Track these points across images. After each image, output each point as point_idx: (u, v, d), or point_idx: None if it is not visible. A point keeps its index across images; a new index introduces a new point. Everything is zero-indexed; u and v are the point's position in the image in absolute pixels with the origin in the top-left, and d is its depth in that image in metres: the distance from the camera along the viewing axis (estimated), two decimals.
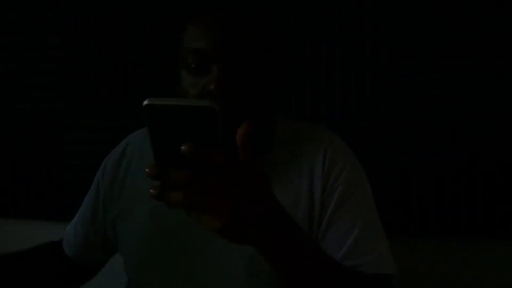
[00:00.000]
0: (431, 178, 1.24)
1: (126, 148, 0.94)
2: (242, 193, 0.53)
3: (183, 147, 0.50)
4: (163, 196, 0.52)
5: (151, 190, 0.52)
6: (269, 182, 0.58)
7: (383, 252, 0.80)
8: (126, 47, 1.42)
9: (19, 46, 1.48)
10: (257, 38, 0.78)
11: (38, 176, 1.47)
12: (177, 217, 0.81)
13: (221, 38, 0.76)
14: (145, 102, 0.51)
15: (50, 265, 0.97)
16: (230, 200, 0.52)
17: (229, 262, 0.80)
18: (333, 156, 0.83)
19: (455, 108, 1.23)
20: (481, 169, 1.22)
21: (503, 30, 1.21)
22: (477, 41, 1.22)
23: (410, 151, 1.25)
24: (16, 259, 0.93)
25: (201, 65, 0.76)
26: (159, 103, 0.51)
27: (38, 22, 1.47)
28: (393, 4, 1.26)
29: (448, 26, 1.23)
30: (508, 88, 1.21)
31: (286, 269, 0.63)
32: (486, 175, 1.22)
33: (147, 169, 0.52)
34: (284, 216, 0.61)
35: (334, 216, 0.80)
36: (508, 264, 1.10)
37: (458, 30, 1.23)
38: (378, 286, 0.77)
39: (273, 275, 0.65)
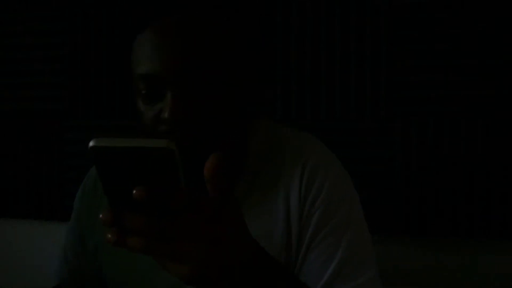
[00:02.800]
0: (431, 178, 1.24)
1: (97, 179, 0.86)
2: (211, 235, 0.47)
3: (134, 192, 0.44)
4: (121, 242, 0.46)
5: (108, 235, 0.46)
6: (243, 219, 0.51)
7: (368, 280, 0.71)
8: (126, 47, 1.42)
9: (19, 46, 1.48)
10: (217, 53, 0.67)
11: (38, 176, 1.47)
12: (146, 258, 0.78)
13: (174, 60, 0.65)
14: (91, 144, 0.45)
15: None
16: (196, 245, 0.46)
17: None
18: (311, 176, 0.74)
19: (455, 108, 1.23)
20: (481, 169, 1.22)
21: (503, 30, 1.21)
22: (477, 41, 1.22)
23: (410, 151, 1.25)
24: None
25: (152, 91, 0.67)
26: (106, 144, 0.45)
27: (38, 22, 1.47)
28: (393, 4, 1.26)
29: (448, 26, 1.23)
30: (509, 88, 1.21)
31: None
32: (486, 175, 1.22)
33: (100, 215, 0.46)
34: (261, 258, 0.54)
35: (313, 243, 0.72)
36: (508, 264, 1.10)
37: (457, 30, 1.23)
38: None
39: None
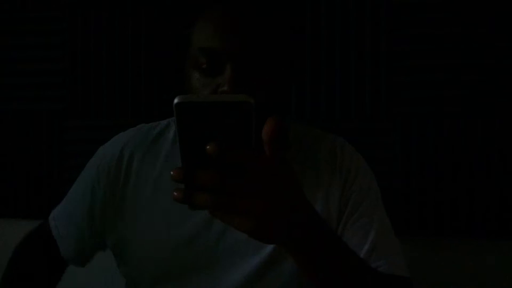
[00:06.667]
0: (431, 178, 1.24)
1: (122, 151, 0.87)
2: (273, 192, 0.51)
3: (208, 147, 0.47)
4: (188, 199, 0.49)
5: (174, 193, 0.49)
6: (299, 183, 0.55)
7: (399, 256, 0.79)
8: (126, 47, 1.42)
9: (19, 46, 1.48)
10: (272, 36, 0.74)
11: (38, 176, 1.47)
12: (181, 231, 0.81)
13: (235, 36, 0.71)
14: (176, 101, 0.47)
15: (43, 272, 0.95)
16: (261, 200, 0.50)
17: (236, 278, 0.80)
18: (348, 165, 0.84)
19: (455, 108, 1.23)
20: (481, 169, 1.22)
21: (503, 30, 1.21)
22: (477, 41, 1.22)
23: (410, 151, 1.25)
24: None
25: (213, 65, 0.72)
26: (190, 100, 0.48)
27: (38, 22, 1.47)
28: (393, 4, 1.26)
29: (448, 26, 1.23)
30: (508, 88, 1.21)
31: (318, 273, 0.61)
32: (486, 175, 1.22)
33: (172, 172, 0.49)
34: (316, 217, 0.59)
35: (349, 222, 0.80)
36: (508, 264, 1.10)
37: (458, 30, 1.23)
38: (402, 286, 0.76)
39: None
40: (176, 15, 1.38)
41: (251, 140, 0.49)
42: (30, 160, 1.48)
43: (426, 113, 1.24)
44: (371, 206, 0.82)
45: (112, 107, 1.42)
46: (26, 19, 1.48)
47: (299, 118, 1.30)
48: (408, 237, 1.22)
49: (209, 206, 0.49)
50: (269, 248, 0.78)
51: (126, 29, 1.42)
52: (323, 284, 0.63)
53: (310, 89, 1.31)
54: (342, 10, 1.29)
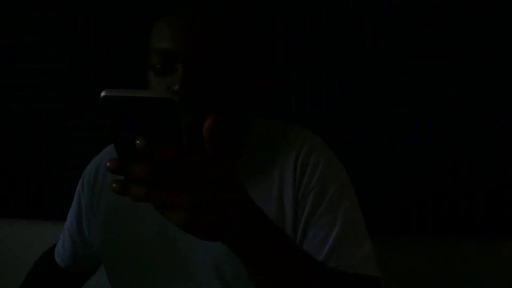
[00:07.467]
0: (430, 178, 1.24)
1: (99, 166, 0.91)
2: (205, 188, 0.52)
3: (137, 142, 0.49)
4: (125, 190, 0.51)
5: (113, 185, 0.51)
6: (238, 178, 0.56)
7: (364, 254, 0.76)
8: (126, 47, 1.42)
9: (19, 46, 1.49)
10: (227, 38, 0.75)
11: (38, 176, 1.47)
12: (148, 229, 0.83)
13: (186, 37, 0.73)
14: (102, 94, 0.49)
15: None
16: (191, 195, 0.51)
17: (199, 264, 0.80)
18: (305, 160, 0.80)
19: (455, 108, 1.23)
20: (481, 169, 1.22)
21: (503, 30, 1.21)
22: (477, 41, 1.22)
23: (410, 151, 1.25)
24: None
25: (166, 65, 0.74)
26: (116, 94, 0.49)
27: (38, 22, 1.47)
28: (393, 4, 1.26)
29: (449, 26, 1.23)
30: (508, 88, 1.21)
31: (261, 270, 0.61)
32: (486, 175, 1.22)
33: (107, 163, 0.50)
34: (256, 215, 0.59)
35: (311, 221, 0.77)
36: (508, 264, 1.10)
37: (458, 30, 1.23)
38: (365, 286, 0.74)
39: (239, 275, 0.61)
40: (141, 17, 1.39)
41: (180, 135, 0.51)
42: (30, 160, 1.48)
43: (426, 113, 1.24)
44: (335, 202, 0.77)
45: None
46: (26, 19, 1.48)
47: (299, 118, 1.30)
48: (408, 237, 1.23)
49: (144, 199, 0.50)
50: None
51: (126, 28, 1.42)
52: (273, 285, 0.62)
53: (310, 89, 1.31)
54: (342, 10, 1.29)
